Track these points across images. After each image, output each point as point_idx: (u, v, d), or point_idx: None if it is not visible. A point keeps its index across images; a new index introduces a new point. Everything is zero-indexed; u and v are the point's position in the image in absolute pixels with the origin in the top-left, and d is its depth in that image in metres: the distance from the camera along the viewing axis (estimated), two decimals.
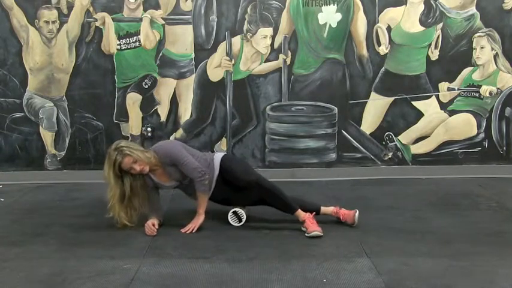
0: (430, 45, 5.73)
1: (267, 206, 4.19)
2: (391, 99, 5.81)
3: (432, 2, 5.67)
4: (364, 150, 5.87)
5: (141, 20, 5.71)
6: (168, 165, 4.09)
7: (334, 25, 5.71)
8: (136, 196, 4.09)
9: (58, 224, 4.35)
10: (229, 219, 4.21)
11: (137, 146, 4.12)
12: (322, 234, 3.91)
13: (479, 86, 5.79)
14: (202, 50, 5.77)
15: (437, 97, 5.81)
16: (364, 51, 5.75)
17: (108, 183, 4.04)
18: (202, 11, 5.70)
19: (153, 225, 4.04)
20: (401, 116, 5.84)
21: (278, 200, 4.05)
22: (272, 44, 5.74)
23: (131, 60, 5.78)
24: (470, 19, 5.70)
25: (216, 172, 4.16)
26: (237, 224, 4.20)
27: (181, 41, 5.76)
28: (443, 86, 5.80)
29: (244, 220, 4.20)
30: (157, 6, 5.70)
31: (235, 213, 4.20)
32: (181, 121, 5.87)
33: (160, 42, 5.77)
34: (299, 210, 4.04)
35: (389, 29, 5.71)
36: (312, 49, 5.75)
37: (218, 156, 4.26)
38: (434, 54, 5.74)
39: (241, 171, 4.14)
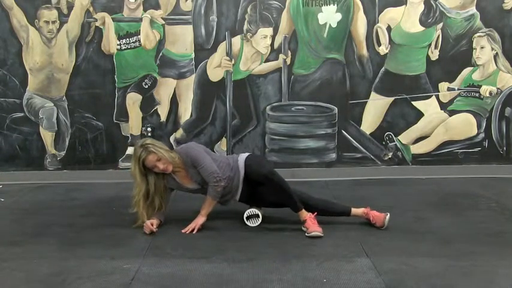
0: (430, 45, 5.73)
1: (267, 208, 4.23)
2: (391, 99, 5.82)
3: (432, 2, 5.67)
4: (364, 150, 5.87)
5: (141, 20, 5.71)
6: (189, 167, 4.11)
7: (334, 25, 5.71)
8: (158, 196, 4.11)
9: (58, 224, 4.34)
10: (246, 217, 4.20)
11: (162, 145, 4.14)
12: (322, 234, 3.91)
13: (479, 86, 5.79)
14: (202, 50, 5.78)
15: (437, 97, 5.81)
16: (364, 51, 5.75)
17: (134, 180, 4.08)
18: (202, 11, 5.70)
19: (152, 224, 4.05)
20: (402, 116, 5.84)
21: (286, 195, 4.05)
22: (272, 44, 5.74)
23: (131, 60, 5.79)
24: (470, 19, 5.70)
25: (242, 172, 4.17)
26: (249, 224, 4.19)
27: (181, 41, 5.77)
28: (443, 86, 5.80)
29: (258, 222, 4.20)
30: (157, 6, 5.71)
31: (256, 215, 4.20)
32: (181, 121, 5.87)
33: (160, 42, 5.77)
34: (303, 210, 4.05)
35: (389, 29, 5.72)
36: (312, 49, 5.76)
37: (242, 157, 4.26)
38: (434, 54, 5.74)
39: (256, 164, 4.16)
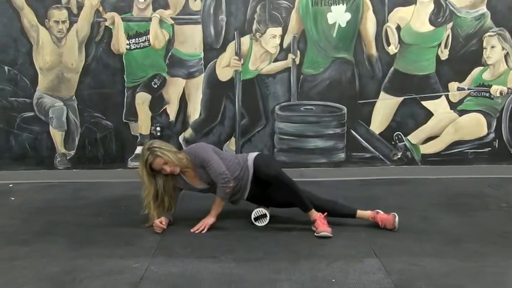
0: (439, 44, 5.71)
1: (275, 208, 4.23)
2: (401, 99, 5.80)
3: (442, 1, 5.65)
4: (373, 150, 5.86)
5: (150, 19, 5.73)
6: (198, 167, 4.11)
7: (343, 25, 5.70)
8: (168, 196, 4.13)
9: (67, 223, 4.37)
10: (254, 217, 4.19)
11: (170, 147, 4.14)
12: (331, 234, 3.90)
13: (490, 86, 5.76)
14: (212, 50, 5.78)
15: (447, 97, 5.79)
16: (374, 51, 5.74)
17: (142, 182, 4.09)
18: (212, 11, 5.71)
19: (161, 222, 4.06)
20: (411, 115, 5.82)
21: (294, 195, 4.04)
22: (281, 44, 5.74)
23: (140, 60, 5.80)
24: (481, 18, 5.67)
25: (251, 172, 4.17)
26: (257, 224, 4.19)
27: (191, 41, 5.78)
28: (453, 85, 5.78)
29: (266, 222, 4.19)
30: (166, 6, 5.72)
31: (264, 215, 4.20)
32: (190, 121, 5.88)
33: (170, 42, 5.78)
34: (313, 210, 4.04)
35: (398, 28, 5.70)
36: (321, 49, 5.75)
37: (251, 156, 4.26)
38: (444, 54, 5.72)
39: (264, 165, 4.14)
